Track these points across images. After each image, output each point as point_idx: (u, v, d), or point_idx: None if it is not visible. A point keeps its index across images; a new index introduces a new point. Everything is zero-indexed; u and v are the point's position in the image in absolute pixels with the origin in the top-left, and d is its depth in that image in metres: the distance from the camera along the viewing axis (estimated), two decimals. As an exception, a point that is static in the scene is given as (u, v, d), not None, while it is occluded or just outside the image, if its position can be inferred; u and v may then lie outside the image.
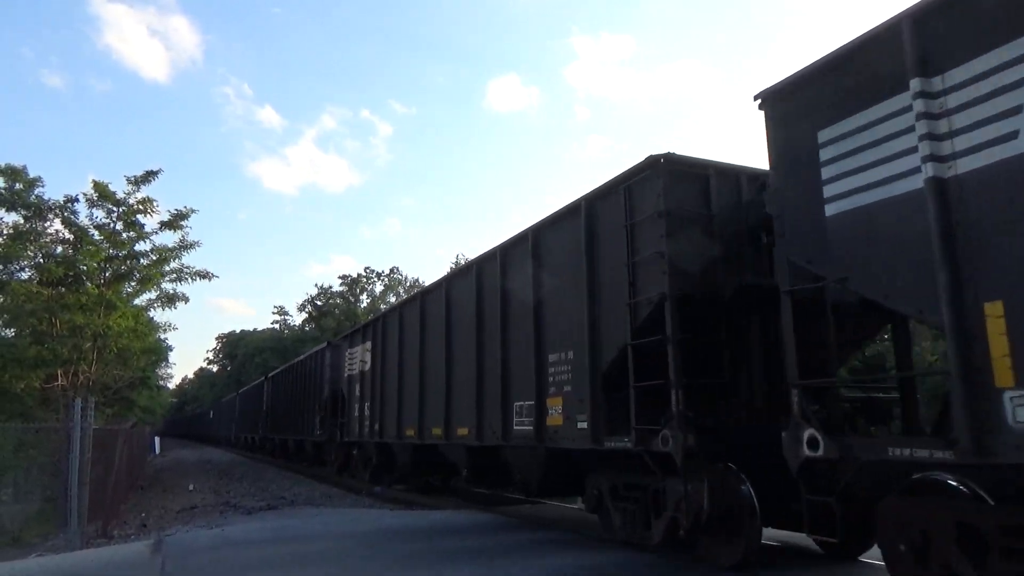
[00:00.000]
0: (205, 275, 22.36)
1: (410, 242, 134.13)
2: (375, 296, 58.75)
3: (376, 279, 59.34)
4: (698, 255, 6.53)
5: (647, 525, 6.92)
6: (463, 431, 10.01)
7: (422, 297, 11.92)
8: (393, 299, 55.39)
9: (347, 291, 59.30)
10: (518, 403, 8.63)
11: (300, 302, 66.95)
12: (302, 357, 22.21)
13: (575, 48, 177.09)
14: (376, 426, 13.66)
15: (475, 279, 9.91)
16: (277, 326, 68.80)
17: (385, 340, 13.57)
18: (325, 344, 18.68)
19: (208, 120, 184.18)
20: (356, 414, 15.09)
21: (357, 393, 15.15)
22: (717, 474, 6.25)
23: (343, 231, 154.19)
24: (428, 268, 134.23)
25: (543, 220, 8.48)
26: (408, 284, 58.32)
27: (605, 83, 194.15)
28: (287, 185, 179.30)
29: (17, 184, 20.20)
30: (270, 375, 29.10)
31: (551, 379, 7.99)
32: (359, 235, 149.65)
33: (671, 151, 6.60)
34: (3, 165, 19.96)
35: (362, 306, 57.24)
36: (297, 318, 64.47)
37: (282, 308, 72.58)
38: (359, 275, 58.97)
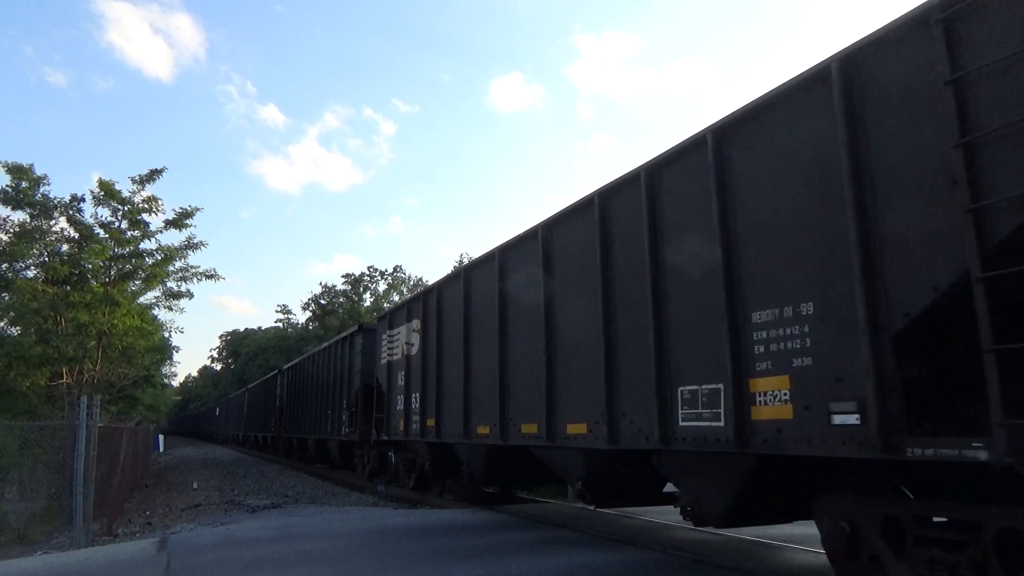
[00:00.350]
0: (211, 276, 22.00)
1: (413, 241, 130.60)
2: (378, 295, 57.09)
3: (380, 278, 57.94)
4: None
5: (981, 589, 3.87)
6: (578, 428, 6.90)
7: (500, 255, 8.76)
8: (396, 298, 53.09)
9: (351, 290, 57.95)
10: (686, 388, 5.55)
11: (304, 301, 64.66)
12: (325, 345, 18.67)
13: (579, 46, 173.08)
14: (429, 422, 10.46)
15: (598, 217, 6.77)
16: (281, 324, 66.49)
17: (442, 315, 10.35)
18: (356, 327, 15.28)
19: (211, 118, 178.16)
20: (399, 408, 11.86)
21: (400, 383, 11.93)
22: None
23: (346, 230, 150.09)
24: (431, 267, 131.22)
25: (730, 115, 5.38)
26: (411, 283, 56.59)
27: (609, 81, 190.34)
28: (290, 184, 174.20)
29: (23, 182, 19.49)
30: (285, 368, 25.30)
31: (758, 349, 4.92)
32: (362, 234, 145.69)
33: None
34: (9, 163, 19.34)
35: (365, 304, 55.52)
36: (300, 317, 62.60)
37: (285, 307, 70.51)
38: (362, 274, 57.90)
